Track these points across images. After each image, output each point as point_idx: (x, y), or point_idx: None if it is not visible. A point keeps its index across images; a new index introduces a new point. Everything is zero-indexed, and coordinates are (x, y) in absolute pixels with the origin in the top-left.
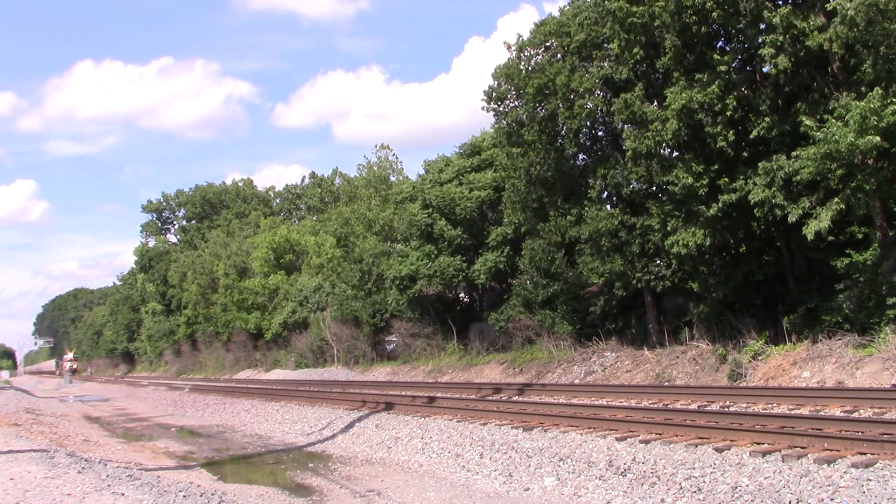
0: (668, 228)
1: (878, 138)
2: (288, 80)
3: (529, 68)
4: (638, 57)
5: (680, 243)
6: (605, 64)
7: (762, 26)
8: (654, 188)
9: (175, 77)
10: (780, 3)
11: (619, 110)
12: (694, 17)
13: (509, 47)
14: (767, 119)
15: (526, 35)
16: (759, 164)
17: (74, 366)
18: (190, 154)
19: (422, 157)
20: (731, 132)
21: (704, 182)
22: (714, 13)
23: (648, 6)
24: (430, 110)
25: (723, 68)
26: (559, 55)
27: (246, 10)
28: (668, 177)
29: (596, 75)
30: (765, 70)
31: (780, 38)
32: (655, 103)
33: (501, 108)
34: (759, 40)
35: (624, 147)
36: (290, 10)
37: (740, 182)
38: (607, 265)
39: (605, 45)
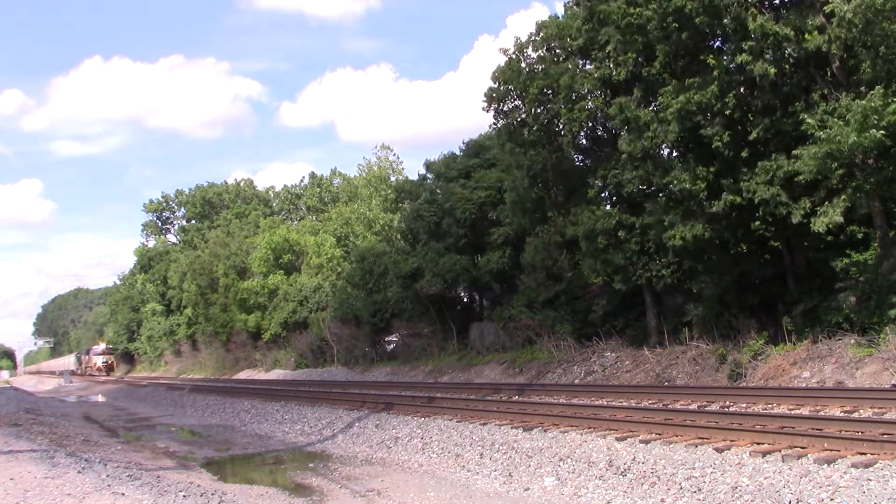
0: (667, 224)
1: (881, 133)
2: (295, 79)
3: (531, 70)
4: (634, 60)
5: (677, 237)
6: (605, 64)
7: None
8: (652, 188)
9: (184, 76)
10: (769, 6)
11: (615, 113)
12: (675, 25)
13: (506, 52)
14: (767, 119)
15: (524, 37)
16: (759, 163)
17: (110, 361)
18: (195, 153)
19: (428, 155)
20: (726, 133)
21: (702, 185)
22: (697, 19)
23: (644, 7)
24: (437, 109)
25: (716, 73)
26: (562, 57)
27: (252, 9)
28: (667, 178)
29: (594, 75)
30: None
31: (760, 44)
32: (652, 106)
33: (502, 108)
34: (744, 46)
35: (620, 149)
36: (298, 10)
37: (738, 184)
38: (607, 256)
39: (605, 47)
